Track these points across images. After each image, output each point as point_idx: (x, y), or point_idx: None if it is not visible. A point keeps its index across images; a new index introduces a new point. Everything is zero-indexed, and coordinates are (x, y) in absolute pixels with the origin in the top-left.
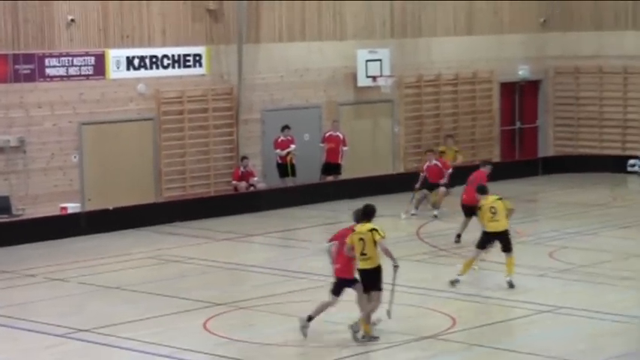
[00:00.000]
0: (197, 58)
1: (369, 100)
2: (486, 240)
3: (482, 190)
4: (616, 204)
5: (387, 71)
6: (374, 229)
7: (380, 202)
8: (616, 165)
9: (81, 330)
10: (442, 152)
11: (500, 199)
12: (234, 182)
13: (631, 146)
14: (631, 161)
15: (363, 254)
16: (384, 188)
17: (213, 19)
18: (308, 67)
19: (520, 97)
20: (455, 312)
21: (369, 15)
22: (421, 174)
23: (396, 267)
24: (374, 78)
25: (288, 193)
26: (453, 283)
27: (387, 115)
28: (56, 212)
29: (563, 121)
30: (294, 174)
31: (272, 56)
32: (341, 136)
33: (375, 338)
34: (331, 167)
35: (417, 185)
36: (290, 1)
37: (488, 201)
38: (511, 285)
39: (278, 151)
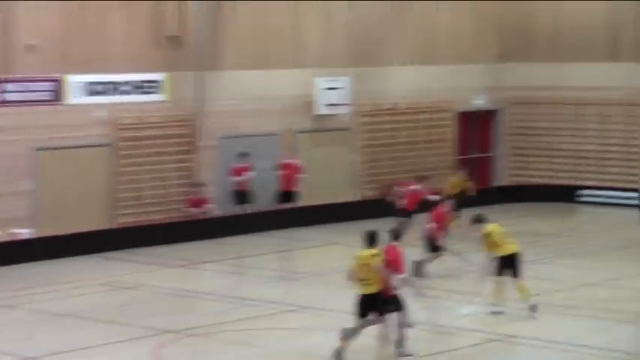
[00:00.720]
0: (156, 84)
1: (326, 128)
2: (503, 265)
3: (481, 219)
4: (567, 234)
5: (345, 100)
6: (376, 255)
7: (336, 231)
8: (568, 195)
9: (29, 358)
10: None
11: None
12: (189, 208)
13: (583, 176)
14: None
15: (365, 279)
16: (340, 216)
17: (173, 46)
18: (267, 94)
19: (477, 127)
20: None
21: (328, 44)
22: (396, 188)
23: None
24: (332, 106)
25: (243, 220)
26: (496, 313)
27: (345, 143)
28: (8, 238)
29: (518, 150)
30: (250, 201)
31: (231, 83)
32: (298, 163)
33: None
34: (287, 195)
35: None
36: (251, 28)
37: (492, 227)
38: (534, 309)
39: (235, 178)
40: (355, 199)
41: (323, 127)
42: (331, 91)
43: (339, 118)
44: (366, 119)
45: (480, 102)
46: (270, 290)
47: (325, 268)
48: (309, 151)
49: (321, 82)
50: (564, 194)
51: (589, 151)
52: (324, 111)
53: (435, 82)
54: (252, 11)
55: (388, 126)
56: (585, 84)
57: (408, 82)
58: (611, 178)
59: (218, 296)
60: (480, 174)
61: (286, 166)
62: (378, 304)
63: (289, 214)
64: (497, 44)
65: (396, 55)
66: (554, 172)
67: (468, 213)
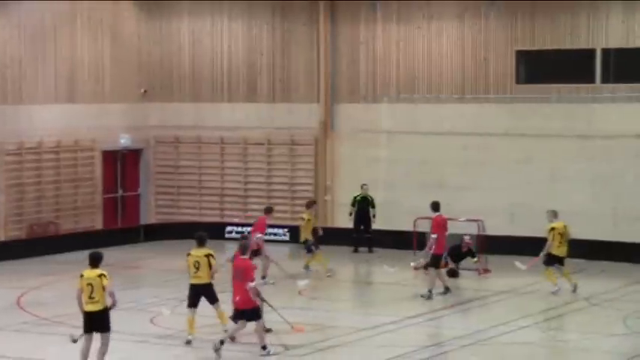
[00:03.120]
0: None
1: None
2: None
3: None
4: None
5: None
6: (102, 275)
7: None
8: (215, 232)
9: None
10: (309, 220)
11: None
12: None
13: (228, 213)
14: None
15: (91, 297)
16: None
17: None
18: None
19: (122, 165)
20: None
21: None
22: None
23: (113, 306)
24: None
25: None
26: None
27: None
28: None
29: (164, 189)
30: None
31: None
32: None
33: None
34: None
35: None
36: None
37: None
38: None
39: None
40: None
41: None
42: None
43: None
44: (10, 158)
45: (124, 141)
46: None
47: None
48: None
49: None
50: (212, 231)
51: (233, 188)
52: None
53: (79, 121)
54: None
55: (33, 165)
56: (226, 124)
57: (51, 121)
58: (254, 215)
59: None
60: (127, 212)
61: None
62: (103, 321)
63: None
64: (140, 84)
65: (39, 92)
66: (200, 210)
67: (109, 251)
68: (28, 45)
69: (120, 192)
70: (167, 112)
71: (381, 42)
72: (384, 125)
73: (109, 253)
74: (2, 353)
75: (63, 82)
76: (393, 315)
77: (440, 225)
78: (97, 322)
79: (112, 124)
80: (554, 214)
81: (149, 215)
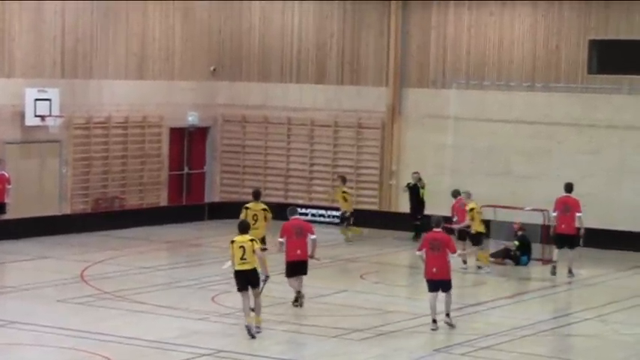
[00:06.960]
0: None
1: (36, 139)
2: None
3: None
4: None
5: (56, 111)
6: (253, 240)
7: (46, 244)
8: (279, 212)
9: None
10: (345, 192)
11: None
12: None
13: (292, 195)
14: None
15: (243, 258)
16: (49, 229)
17: None
18: None
19: (189, 143)
20: (113, 355)
21: (39, 54)
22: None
23: (267, 277)
24: (42, 117)
25: None
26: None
27: (55, 155)
28: None
29: (229, 168)
30: None
31: None
32: (6, 174)
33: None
34: None
35: None
36: None
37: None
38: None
39: None
40: (65, 213)
41: (33, 139)
42: (42, 102)
43: (49, 129)
44: (79, 132)
45: (192, 118)
46: None
47: (34, 282)
48: (18, 162)
49: (32, 93)
50: (275, 211)
51: (298, 170)
52: (33, 122)
53: (147, 97)
54: None
55: (100, 139)
56: (294, 104)
57: (120, 96)
58: (318, 197)
59: None
60: (192, 190)
61: None
62: (254, 277)
63: None
64: (209, 62)
65: (109, 68)
66: (264, 190)
67: (173, 228)
68: (99, 20)
69: (186, 169)
70: (235, 91)
71: (452, 27)
72: (452, 111)
73: (173, 230)
74: (65, 326)
75: (133, 58)
76: (455, 302)
77: (557, 204)
78: (248, 278)
79: (181, 102)
80: (468, 195)
81: (214, 193)
